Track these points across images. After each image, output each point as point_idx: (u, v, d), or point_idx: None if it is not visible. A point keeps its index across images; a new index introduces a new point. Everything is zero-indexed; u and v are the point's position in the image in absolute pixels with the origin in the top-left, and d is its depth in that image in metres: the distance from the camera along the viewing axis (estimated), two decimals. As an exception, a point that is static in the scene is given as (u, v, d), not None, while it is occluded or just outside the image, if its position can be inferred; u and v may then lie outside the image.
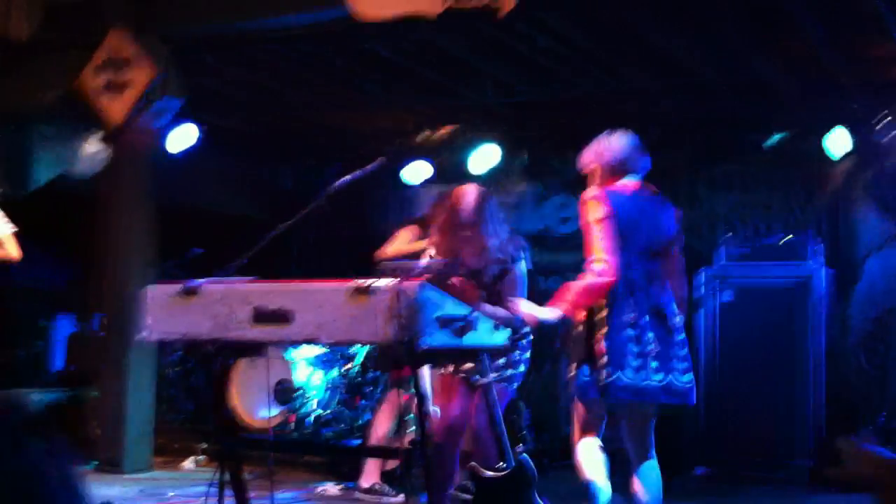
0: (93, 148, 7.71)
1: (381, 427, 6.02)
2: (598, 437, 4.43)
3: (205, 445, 7.14)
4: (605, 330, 4.11)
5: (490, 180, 9.19)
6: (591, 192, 4.29)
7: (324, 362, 7.56)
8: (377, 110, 8.36)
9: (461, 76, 7.41)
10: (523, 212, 9.33)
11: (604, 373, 4.10)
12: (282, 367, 7.18)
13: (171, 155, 7.73)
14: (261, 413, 7.21)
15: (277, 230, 4.88)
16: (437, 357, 3.94)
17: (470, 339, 3.57)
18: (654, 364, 4.14)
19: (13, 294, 6.67)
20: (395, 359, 4.90)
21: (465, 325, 3.52)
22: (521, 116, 8.45)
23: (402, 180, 8.97)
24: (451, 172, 9.38)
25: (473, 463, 4.13)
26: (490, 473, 3.99)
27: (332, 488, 6.10)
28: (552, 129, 8.75)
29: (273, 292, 3.62)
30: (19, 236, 6.50)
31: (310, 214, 5.04)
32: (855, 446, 4.51)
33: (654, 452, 4.42)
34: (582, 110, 8.04)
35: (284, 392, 7.11)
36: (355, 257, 8.88)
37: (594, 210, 4.19)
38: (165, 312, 3.85)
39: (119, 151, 6.91)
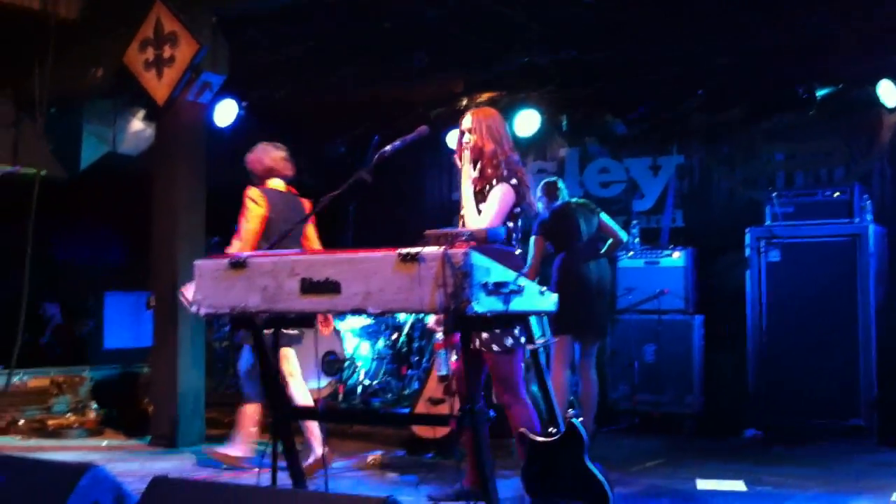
0: (139, 125, 7.80)
1: (429, 394, 6.07)
2: None
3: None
4: None
5: (531, 145, 9.18)
6: None
7: (370, 333, 7.62)
8: (421, 78, 8.34)
9: (505, 38, 7.37)
10: (564, 176, 9.30)
11: None
12: (329, 338, 7.24)
13: (219, 129, 7.77)
14: (309, 384, 7.30)
15: (321, 203, 4.93)
16: (485, 323, 3.95)
17: (518, 304, 3.57)
18: None
19: (73, 271, 6.77)
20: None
21: (512, 291, 3.52)
22: (563, 79, 8.39)
23: (446, 147, 8.97)
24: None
25: (523, 429, 4.14)
26: (540, 438, 4.01)
27: (381, 457, 6.16)
28: (595, 93, 8.67)
29: (320, 263, 3.63)
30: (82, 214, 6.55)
31: (354, 184, 5.09)
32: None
33: None
34: (626, 72, 7.97)
35: (332, 363, 7.18)
36: (402, 225, 8.94)
37: None
38: (215, 286, 3.88)
39: (167, 128, 6.97)
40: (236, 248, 5.51)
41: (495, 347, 4.37)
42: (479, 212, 4.62)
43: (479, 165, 4.72)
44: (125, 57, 6.90)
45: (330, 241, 5.81)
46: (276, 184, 5.81)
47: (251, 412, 5.82)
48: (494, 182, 4.61)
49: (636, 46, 7.28)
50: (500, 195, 4.57)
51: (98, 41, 7.20)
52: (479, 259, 3.37)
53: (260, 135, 8.99)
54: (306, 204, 5.80)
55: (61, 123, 7.65)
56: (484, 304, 3.35)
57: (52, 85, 7.09)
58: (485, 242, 4.26)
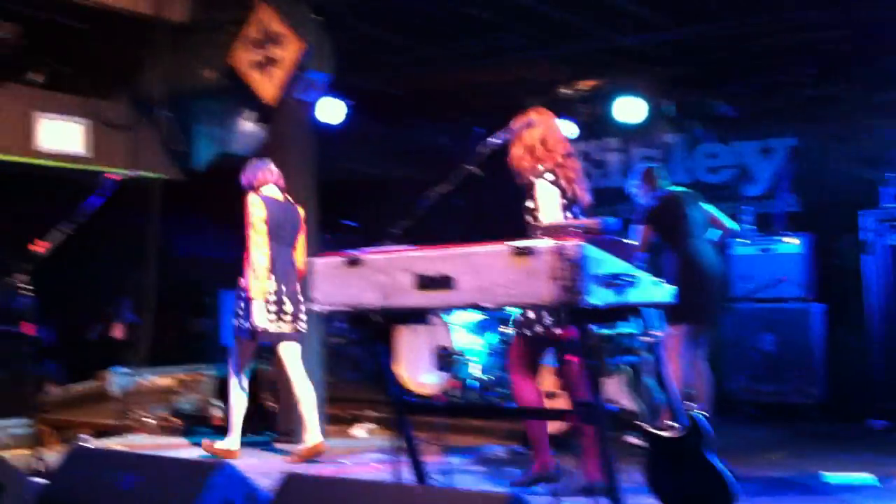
0: (249, 125, 7.96)
1: (544, 388, 6.03)
2: None
3: (373, 413, 7.31)
4: None
5: (636, 131, 9.04)
6: None
7: (482, 327, 7.61)
8: (521, 64, 8.30)
9: (606, 21, 7.27)
10: (671, 162, 9.14)
11: None
12: (442, 332, 7.27)
13: (324, 125, 7.88)
14: (424, 379, 7.34)
15: (430, 198, 4.94)
16: (599, 315, 3.90)
17: (632, 295, 3.51)
18: None
19: (196, 268, 6.96)
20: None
21: (627, 282, 3.46)
22: (667, 61, 8.23)
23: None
24: (595, 126, 9.26)
25: (642, 423, 4.08)
26: (662, 433, 3.94)
27: (499, 451, 6.15)
28: (700, 73, 8.48)
29: (434, 258, 3.64)
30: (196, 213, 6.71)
31: (459, 177, 5.09)
32: None
33: None
34: (732, 51, 7.78)
35: (446, 357, 7.20)
36: (511, 218, 8.90)
37: None
38: (332, 283, 3.92)
39: (277, 126, 7.09)
40: (254, 256, 5.92)
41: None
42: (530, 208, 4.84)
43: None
44: (232, 58, 7.05)
45: (441, 235, 5.81)
46: (272, 190, 6.13)
47: (241, 405, 6.13)
48: (532, 179, 4.85)
49: (743, 23, 7.08)
50: (540, 192, 4.80)
51: (208, 43, 7.38)
52: (591, 251, 3.32)
53: (365, 129, 9.16)
54: (301, 211, 6.24)
55: (175, 125, 7.86)
56: (598, 297, 3.31)
57: (166, 88, 7.28)
58: (597, 234, 4.21)
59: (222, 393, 7.92)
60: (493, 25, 7.41)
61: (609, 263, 3.39)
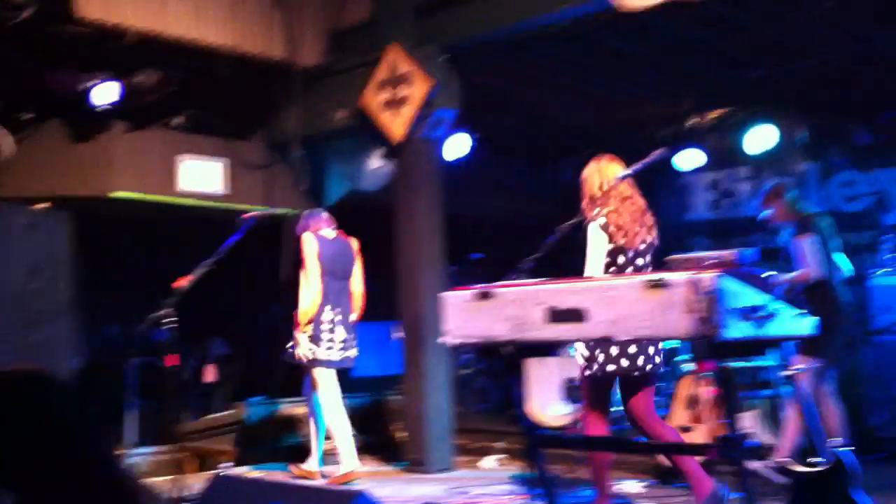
0: (378, 163, 8.15)
1: (676, 422, 5.93)
2: None
3: (502, 444, 7.31)
4: None
5: (768, 160, 8.83)
6: None
7: (611, 359, 7.53)
8: (646, 98, 8.26)
9: (735, 51, 7.17)
10: (806, 191, 8.88)
11: None
12: (570, 364, 7.23)
13: (449, 163, 7.99)
14: (553, 410, 7.31)
15: (560, 231, 4.96)
16: (738, 349, 3.82)
17: (772, 328, 3.43)
18: None
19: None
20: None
21: (766, 315, 3.38)
22: (799, 89, 8.04)
23: (675, 168, 8.80)
24: (725, 155, 9.10)
25: (782, 458, 3.97)
26: (804, 469, 3.82)
27: (634, 486, 6.06)
28: (833, 100, 8.25)
29: (565, 291, 3.63)
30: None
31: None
32: None
33: None
34: (868, 76, 7.55)
35: (574, 389, 7.15)
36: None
37: None
38: (463, 316, 3.96)
39: (405, 163, 7.23)
40: (304, 290, 6.33)
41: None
42: None
43: None
44: (362, 99, 7.24)
45: (570, 269, 5.81)
46: (326, 232, 6.62)
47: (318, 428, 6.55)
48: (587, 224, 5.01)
49: (877, 46, 6.87)
50: (589, 237, 4.97)
51: (339, 85, 7.61)
52: (728, 283, 3.26)
53: (490, 164, 9.25)
54: (354, 243, 6.70)
55: (309, 164, 8.10)
56: (736, 330, 3.24)
57: (299, 128, 7.54)
58: (733, 266, 4.13)
59: (353, 423, 8.07)
60: (624, 62, 7.40)
61: (747, 296, 3.32)
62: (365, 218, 8.46)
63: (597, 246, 4.92)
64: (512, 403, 4.46)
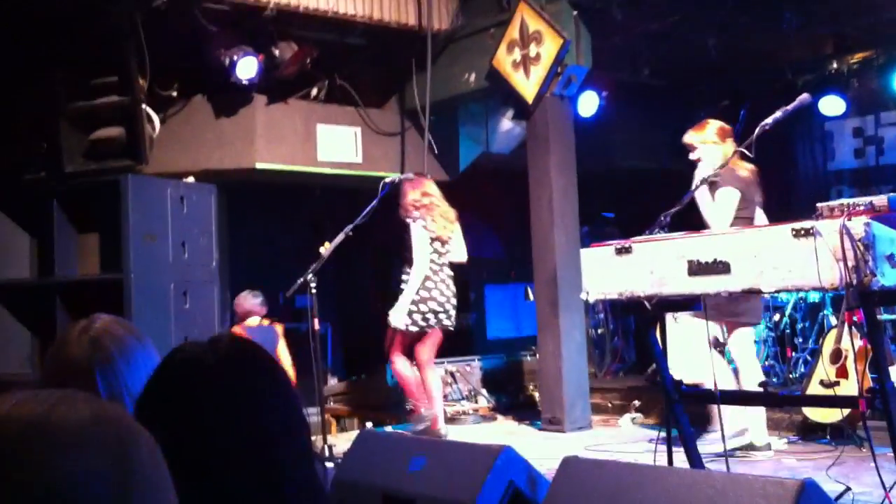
0: (509, 124, 8.16)
1: (821, 376, 5.78)
2: None
3: (639, 403, 7.28)
4: None
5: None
6: None
7: (752, 314, 7.38)
8: (790, 38, 7.93)
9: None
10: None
11: None
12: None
13: (581, 120, 7.93)
14: (691, 368, 7.20)
15: (694, 188, 4.87)
16: (889, 298, 3.70)
17: (928, 277, 3.30)
18: None
19: (460, 265, 7.22)
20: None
21: (921, 263, 3.26)
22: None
23: (817, 115, 8.50)
24: (869, 101, 8.73)
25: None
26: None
27: (777, 442, 5.95)
28: None
29: (706, 244, 3.59)
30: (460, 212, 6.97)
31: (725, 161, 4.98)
32: None
33: None
34: None
35: (714, 346, 7.04)
36: (784, 199, 8.58)
37: None
38: (601, 273, 3.97)
39: (537, 123, 7.22)
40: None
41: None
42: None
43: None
44: (494, 60, 7.26)
45: (702, 224, 5.72)
46: (252, 321, 6.83)
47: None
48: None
49: None
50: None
51: (469, 48, 7.64)
52: (881, 229, 3.17)
53: (621, 119, 9.12)
54: (278, 329, 6.86)
55: (440, 129, 8.19)
56: (890, 278, 3.15)
57: (431, 93, 7.62)
58: (886, 211, 3.98)
59: (487, 383, 8.19)
60: (762, 3, 7.17)
61: (900, 242, 3.21)
62: (497, 180, 8.51)
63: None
64: (651, 361, 4.44)
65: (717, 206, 5.38)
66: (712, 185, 5.31)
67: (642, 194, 8.75)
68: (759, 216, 5.67)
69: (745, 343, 5.78)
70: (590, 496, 2.91)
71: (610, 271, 3.94)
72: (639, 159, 9.74)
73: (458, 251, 6.68)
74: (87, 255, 6.04)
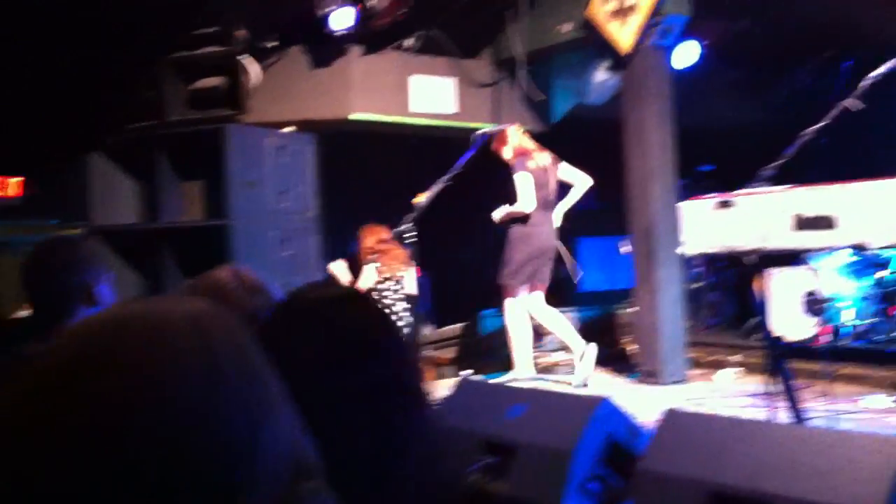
0: (605, 75, 8.05)
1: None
2: None
3: (737, 358, 7.18)
4: None
5: None
6: None
7: (855, 270, 7.20)
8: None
9: None
10: None
11: None
12: (810, 276, 6.98)
13: (678, 72, 7.77)
14: (792, 324, 7.09)
15: (804, 136, 4.75)
16: None
17: None
18: None
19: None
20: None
21: None
22: None
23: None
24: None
25: None
26: None
27: (883, 400, 5.82)
28: None
29: (813, 197, 3.54)
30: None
31: (834, 114, 4.84)
32: None
33: None
34: None
35: (815, 303, 6.91)
36: (882, 155, 8.30)
37: None
38: (702, 227, 3.94)
39: (633, 74, 7.11)
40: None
41: None
42: None
43: None
44: (588, 10, 7.15)
45: (809, 178, 5.58)
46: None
47: None
48: None
49: None
50: None
51: (563, -2, 7.56)
52: None
53: (722, 70, 8.90)
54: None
55: (535, 79, 8.13)
56: None
57: (525, 44, 7.55)
58: None
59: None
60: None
61: None
62: (592, 131, 8.41)
63: None
64: (750, 316, 4.39)
65: None
66: None
67: (743, 148, 8.55)
68: None
69: None
70: (694, 449, 2.91)
71: (710, 225, 3.91)
72: (740, 111, 9.52)
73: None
74: (190, 202, 6.21)
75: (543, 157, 7.09)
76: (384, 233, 7.11)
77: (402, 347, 1.51)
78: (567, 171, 7.18)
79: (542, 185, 6.95)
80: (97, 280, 2.70)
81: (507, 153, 7.02)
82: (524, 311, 6.95)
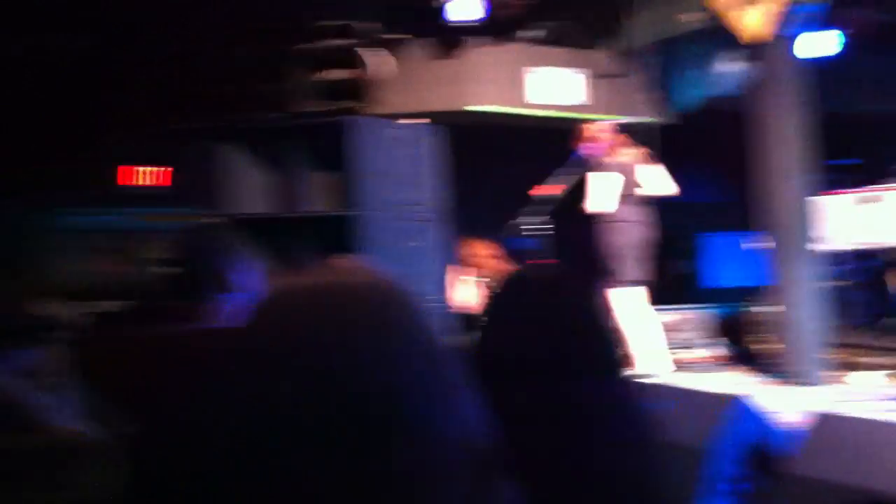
0: (735, 64, 7.82)
1: None
2: None
3: (887, 360, 6.85)
4: None
5: None
6: None
7: None
8: None
9: None
10: None
11: None
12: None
13: (816, 61, 7.49)
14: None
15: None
16: None
17: None
18: None
19: (671, 209, 7.08)
20: None
21: None
22: None
23: None
24: None
25: None
26: None
27: None
28: None
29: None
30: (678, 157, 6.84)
31: None
32: None
33: None
34: None
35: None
36: None
37: None
38: (841, 221, 3.77)
39: (765, 64, 6.88)
40: None
41: None
42: None
43: None
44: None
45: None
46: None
47: None
48: None
49: None
50: None
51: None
52: None
53: (863, 60, 8.54)
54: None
55: (658, 70, 7.97)
56: None
57: (650, 34, 7.41)
58: None
59: (712, 332, 8.00)
60: None
61: None
62: (719, 123, 8.19)
63: None
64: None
65: None
66: None
67: (887, 141, 8.20)
68: None
69: None
70: (846, 453, 2.77)
71: (851, 220, 3.74)
72: (883, 103, 9.13)
73: None
74: (316, 192, 6.28)
75: (631, 154, 6.96)
76: (492, 248, 6.96)
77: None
78: (657, 173, 7.03)
79: (628, 182, 6.83)
80: (233, 266, 2.74)
81: (595, 148, 6.88)
82: (630, 303, 6.77)
